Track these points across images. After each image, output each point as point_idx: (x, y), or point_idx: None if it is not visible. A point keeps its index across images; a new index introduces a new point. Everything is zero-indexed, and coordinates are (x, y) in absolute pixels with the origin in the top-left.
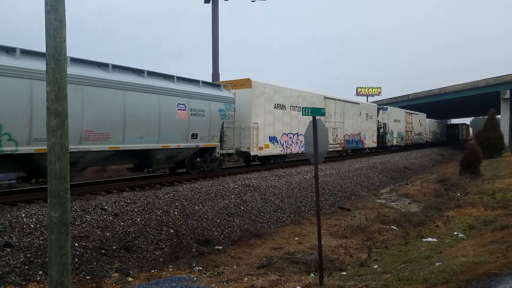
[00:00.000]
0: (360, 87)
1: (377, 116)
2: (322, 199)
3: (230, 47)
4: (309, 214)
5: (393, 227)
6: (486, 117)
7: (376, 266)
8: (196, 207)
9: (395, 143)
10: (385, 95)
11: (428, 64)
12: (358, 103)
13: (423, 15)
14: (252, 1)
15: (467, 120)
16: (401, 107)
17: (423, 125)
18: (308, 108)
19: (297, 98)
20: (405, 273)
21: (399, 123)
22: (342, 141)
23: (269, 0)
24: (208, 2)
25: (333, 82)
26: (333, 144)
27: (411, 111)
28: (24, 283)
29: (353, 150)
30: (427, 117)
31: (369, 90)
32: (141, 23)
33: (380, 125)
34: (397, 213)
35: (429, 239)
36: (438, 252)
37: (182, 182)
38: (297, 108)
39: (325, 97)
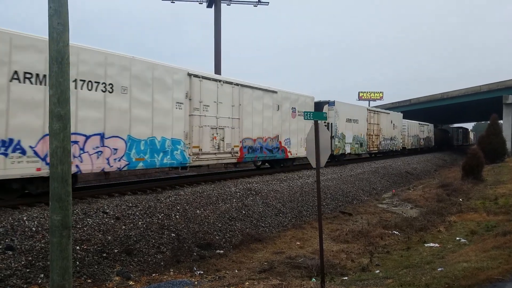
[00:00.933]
0: (362, 92)
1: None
2: (324, 203)
3: (231, 50)
4: (311, 219)
5: (395, 232)
6: (489, 122)
7: (378, 271)
8: (198, 211)
9: (348, 151)
10: (387, 100)
11: (431, 70)
12: (275, 92)
13: (427, 21)
14: (254, 5)
15: (470, 125)
16: (402, 112)
17: (397, 127)
18: (310, 112)
19: (97, 67)
20: (407, 278)
21: (357, 124)
22: (238, 149)
23: (271, 4)
24: (211, 7)
25: (335, 86)
26: (214, 154)
27: (378, 109)
28: (25, 286)
29: (267, 162)
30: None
31: (371, 95)
32: (145, 27)
33: (324, 125)
34: (399, 218)
35: (431, 244)
36: (440, 257)
37: (184, 185)
38: (101, 86)
39: (190, 74)
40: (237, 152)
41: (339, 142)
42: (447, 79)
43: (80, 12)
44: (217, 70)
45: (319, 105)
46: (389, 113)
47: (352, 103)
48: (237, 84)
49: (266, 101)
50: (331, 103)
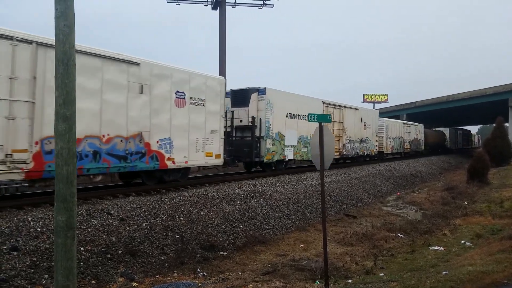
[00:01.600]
0: (366, 94)
1: (225, 104)
2: (328, 206)
3: (232, 52)
4: (315, 221)
5: (400, 235)
6: (494, 125)
7: (382, 274)
8: (202, 213)
9: (291, 157)
10: (392, 102)
11: (431, 70)
12: (135, 63)
13: (428, 21)
14: (259, 8)
15: (475, 128)
16: (407, 115)
17: (371, 127)
18: (315, 114)
19: None
20: (412, 282)
21: (305, 121)
22: (27, 155)
23: (274, 7)
24: (216, 9)
25: (339, 88)
26: None
27: (341, 103)
28: (30, 286)
29: (124, 175)
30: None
31: (376, 97)
32: (146, 32)
33: (250, 121)
34: (404, 220)
35: (436, 248)
36: (445, 260)
37: (188, 187)
38: None
39: None
40: (25, 162)
41: (273, 144)
42: (448, 80)
43: (81, 16)
44: (222, 71)
45: (243, 93)
46: (358, 109)
47: (300, 93)
48: (27, 41)
49: (112, 76)
50: (261, 91)
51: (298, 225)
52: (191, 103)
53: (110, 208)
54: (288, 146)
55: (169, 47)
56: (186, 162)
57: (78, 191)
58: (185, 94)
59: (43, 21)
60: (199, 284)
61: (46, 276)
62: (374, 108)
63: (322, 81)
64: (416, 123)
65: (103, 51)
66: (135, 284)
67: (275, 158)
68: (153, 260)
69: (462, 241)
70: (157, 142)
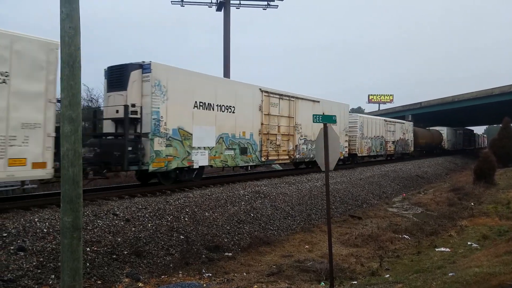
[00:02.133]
0: (372, 95)
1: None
2: (333, 207)
3: (237, 53)
4: (320, 222)
5: (405, 236)
6: (501, 125)
7: (387, 275)
8: (206, 214)
9: (205, 163)
10: (398, 103)
11: (441, 71)
12: None
13: (431, 21)
14: (263, 9)
15: (481, 128)
16: (413, 115)
17: (338, 124)
18: (319, 115)
19: None
20: (418, 283)
21: (231, 114)
22: None
23: (278, 8)
24: (220, 10)
25: (341, 88)
26: None
27: (289, 93)
28: (36, 286)
29: None
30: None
31: (381, 98)
32: (146, 31)
33: (127, 111)
34: (410, 222)
35: (442, 249)
36: (451, 262)
37: (193, 188)
38: None
39: None
40: None
41: (169, 146)
42: (453, 80)
43: (81, 16)
44: (226, 73)
45: (120, 71)
46: (318, 102)
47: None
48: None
49: None
50: (146, 67)
51: (303, 226)
52: None
53: (115, 209)
54: (199, 148)
55: (170, 47)
56: None
57: (83, 192)
58: None
59: (43, 22)
60: (204, 285)
61: (53, 276)
62: (379, 109)
63: (324, 82)
64: (403, 121)
65: None
66: (140, 284)
67: (173, 166)
68: (158, 261)
69: (469, 243)
70: None
